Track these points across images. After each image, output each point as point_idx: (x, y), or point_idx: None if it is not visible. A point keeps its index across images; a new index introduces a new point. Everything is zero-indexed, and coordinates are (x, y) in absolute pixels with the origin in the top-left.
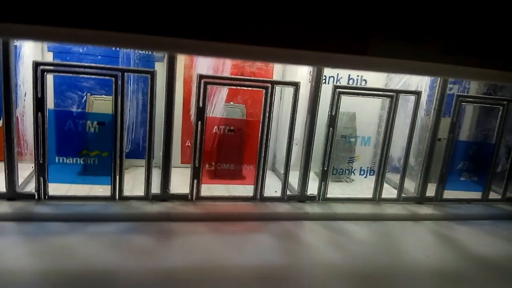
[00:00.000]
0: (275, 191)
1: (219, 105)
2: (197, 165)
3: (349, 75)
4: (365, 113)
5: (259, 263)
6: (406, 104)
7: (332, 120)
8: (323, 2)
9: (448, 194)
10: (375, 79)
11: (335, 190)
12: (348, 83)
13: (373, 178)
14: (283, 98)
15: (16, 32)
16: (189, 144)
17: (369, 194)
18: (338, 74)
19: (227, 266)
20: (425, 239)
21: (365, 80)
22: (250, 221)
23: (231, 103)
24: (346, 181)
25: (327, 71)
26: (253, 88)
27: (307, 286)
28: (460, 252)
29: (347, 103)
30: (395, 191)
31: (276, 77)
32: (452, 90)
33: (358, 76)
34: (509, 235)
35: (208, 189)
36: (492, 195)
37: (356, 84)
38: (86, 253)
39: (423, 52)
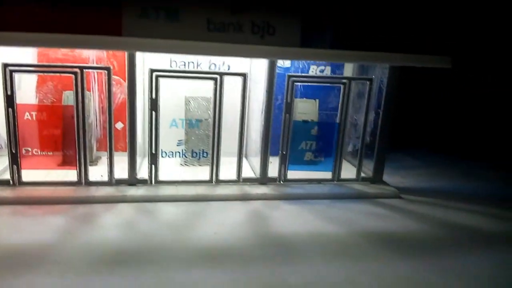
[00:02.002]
0: (101, 175)
1: (31, 91)
2: (14, 151)
3: (210, 60)
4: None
5: (17, 242)
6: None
7: (153, 104)
8: None
9: (301, 174)
10: (241, 65)
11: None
12: (209, 68)
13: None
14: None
15: None
16: None
17: (231, 176)
18: (197, 60)
19: None
20: (234, 218)
21: (228, 66)
22: (62, 205)
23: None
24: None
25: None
26: (62, 74)
27: (47, 262)
28: (258, 231)
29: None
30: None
31: None
32: (325, 71)
33: (222, 62)
34: (334, 213)
35: (47, 174)
36: (351, 175)
37: (218, 69)
38: None
39: (185, 31)
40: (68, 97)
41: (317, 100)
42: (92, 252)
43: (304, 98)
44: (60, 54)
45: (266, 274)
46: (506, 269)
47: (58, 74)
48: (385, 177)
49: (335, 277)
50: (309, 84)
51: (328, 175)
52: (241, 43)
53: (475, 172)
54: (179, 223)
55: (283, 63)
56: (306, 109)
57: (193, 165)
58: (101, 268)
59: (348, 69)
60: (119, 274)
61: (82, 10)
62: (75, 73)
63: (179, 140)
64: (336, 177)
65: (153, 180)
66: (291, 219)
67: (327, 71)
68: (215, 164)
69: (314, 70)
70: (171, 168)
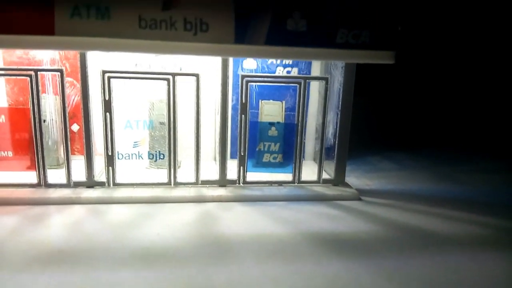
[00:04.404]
0: (59, 178)
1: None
2: None
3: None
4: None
5: None
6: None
7: (107, 106)
8: None
9: (264, 177)
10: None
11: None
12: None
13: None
14: None
15: None
16: None
17: (191, 178)
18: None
19: None
20: (183, 219)
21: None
22: (19, 205)
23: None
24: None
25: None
26: (17, 77)
27: None
28: (201, 231)
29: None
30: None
31: None
32: (292, 72)
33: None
34: (284, 215)
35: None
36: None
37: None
38: None
39: (118, 28)
40: None
41: (283, 102)
42: (30, 251)
43: (271, 100)
44: (16, 57)
45: (193, 273)
46: (441, 271)
47: (13, 77)
48: (352, 180)
49: (261, 277)
50: (273, 84)
51: (290, 177)
52: (173, 41)
53: (451, 176)
54: (125, 224)
55: (249, 66)
56: (271, 111)
57: (159, 167)
58: (34, 266)
59: (316, 70)
60: (49, 272)
61: (15, 10)
62: (29, 76)
63: (134, 142)
64: (297, 179)
65: (111, 182)
66: (240, 220)
67: (294, 72)
68: (172, 166)
69: (280, 71)
70: (138, 170)
